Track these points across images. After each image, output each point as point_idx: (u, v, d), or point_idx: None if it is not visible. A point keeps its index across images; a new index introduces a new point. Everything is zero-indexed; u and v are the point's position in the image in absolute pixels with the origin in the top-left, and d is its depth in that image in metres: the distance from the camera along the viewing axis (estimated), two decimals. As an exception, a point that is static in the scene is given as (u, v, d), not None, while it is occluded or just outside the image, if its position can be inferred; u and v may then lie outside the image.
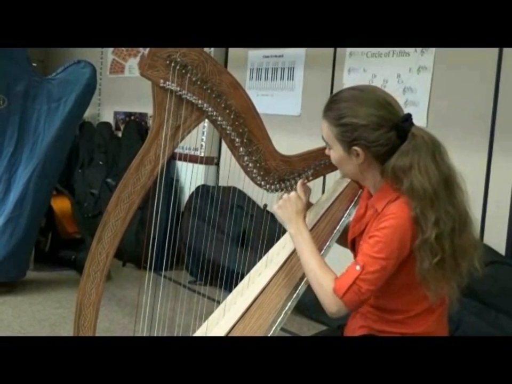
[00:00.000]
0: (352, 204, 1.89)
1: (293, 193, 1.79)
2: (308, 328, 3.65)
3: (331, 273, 1.64)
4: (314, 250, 1.69)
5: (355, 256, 1.76)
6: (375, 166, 1.66)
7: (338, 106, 1.66)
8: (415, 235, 1.57)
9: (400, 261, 1.59)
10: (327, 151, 1.75)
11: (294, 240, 1.73)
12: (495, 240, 3.16)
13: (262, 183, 1.85)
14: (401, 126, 1.62)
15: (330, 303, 1.60)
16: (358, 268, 1.58)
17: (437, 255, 1.55)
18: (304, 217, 1.77)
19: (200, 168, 4.89)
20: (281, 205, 1.77)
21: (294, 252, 1.85)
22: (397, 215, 1.57)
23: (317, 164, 1.88)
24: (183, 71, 1.68)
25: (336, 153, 1.69)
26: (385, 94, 1.67)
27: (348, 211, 1.88)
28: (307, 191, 1.87)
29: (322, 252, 1.80)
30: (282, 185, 1.87)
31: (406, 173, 1.58)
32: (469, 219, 1.63)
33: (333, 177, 2.00)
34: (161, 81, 1.68)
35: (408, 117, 1.64)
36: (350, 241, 1.81)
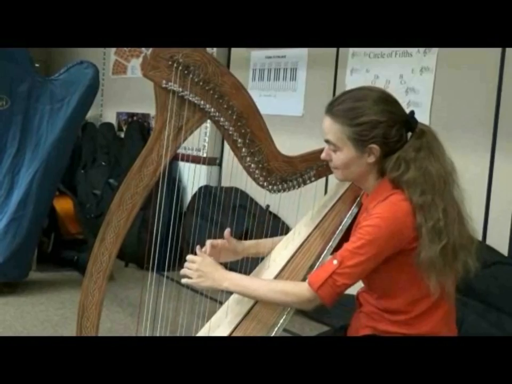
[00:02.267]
0: (355, 205, 1.89)
1: (195, 259, 1.77)
2: (309, 329, 3.64)
3: (283, 280, 1.72)
4: (255, 281, 1.73)
5: None
6: (378, 165, 1.68)
7: (351, 107, 1.66)
8: (411, 227, 1.59)
9: (382, 260, 1.61)
10: (324, 155, 1.73)
11: (232, 290, 1.73)
12: (498, 240, 3.16)
13: (265, 183, 1.85)
14: (410, 121, 1.67)
15: (304, 297, 1.63)
16: (335, 262, 1.60)
17: (443, 240, 1.58)
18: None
19: (203, 169, 4.89)
20: (198, 275, 1.74)
21: (296, 252, 1.85)
22: (383, 215, 1.59)
23: (319, 164, 1.88)
24: (186, 72, 1.69)
25: (345, 154, 1.68)
26: (389, 92, 1.71)
27: (350, 211, 1.87)
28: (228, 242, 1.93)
29: (325, 252, 1.81)
30: (285, 185, 1.87)
31: (417, 161, 1.62)
32: (464, 213, 1.67)
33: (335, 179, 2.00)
34: (164, 82, 1.69)
35: (413, 113, 1.68)
36: None
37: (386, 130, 1.63)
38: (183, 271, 1.78)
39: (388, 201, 1.62)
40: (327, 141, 1.72)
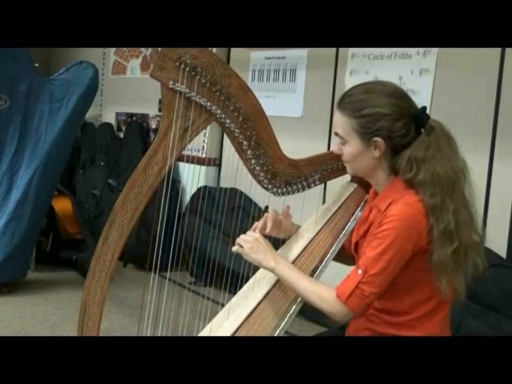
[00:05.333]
0: (359, 209, 1.88)
1: (254, 234, 1.79)
2: (308, 330, 3.64)
3: (326, 285, 1.67)
4: (300, 273, 1.72)
5: (358, 259, 1.76)
6: (388, 159, 1.67)
7: (358, 99, 1.66)
8: (426, 228, 1.58)
9: (405, 262, 1.60)
10: (336, 149, 1.74)
11: (276, 272, 1.73)
12: (496, 242, 3.16)
13: (269, 186, 1.85)
14: (420, 117, 1.65)
15: (336, 310, 1.62)
16: (360, 271, 1.59)
17: (454, 243, 1.58)
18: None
19: (202, 169, 4.89)
20: (251, 246, 1.75)
21: (299, 255, 1.85)
22: (399, 216, 1.58)
23: (324, 168, 1.88)
24: (193, 73, 1.68)
25: (352, 147, 1.68)
26: (400, 87, 1.70)
27: (354, 216, 1.87)
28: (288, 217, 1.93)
29: (328, 256, 1.81)
30: (289, 188, 1.87)
31: (426, 162, 1.61)
32: (474, 212, 1.66)
33: (335, 184, 2.00)
34: (171, 82, 1.68)
35: (425, 109, 1.67)
36: (353, 244, 1.81)
37: (391, 123, 1.62)
38: (237, 240, 1.78)
39: (403, 201, 1.61)
40: (336, 134, 1.72)
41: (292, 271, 1.72)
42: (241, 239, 1.78)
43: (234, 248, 1.78)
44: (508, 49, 3.16)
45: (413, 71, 3.65)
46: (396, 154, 1.66)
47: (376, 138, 1.64)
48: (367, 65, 3.89)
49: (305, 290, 1.67)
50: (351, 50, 3.97)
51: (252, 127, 1.76)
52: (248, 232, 1.81)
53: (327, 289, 1.66)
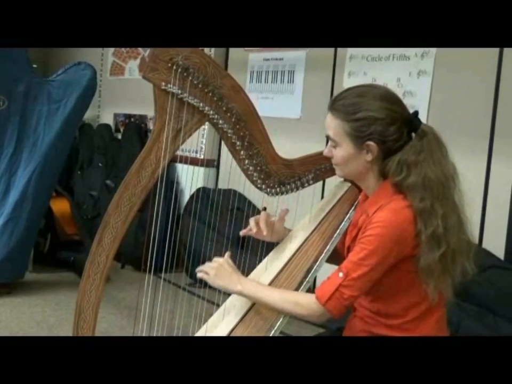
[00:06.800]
0: (353, 208, 1.88)
1: (218, 260, 1.77)
2: (306, 332, 3.64)
3: (298, 292, 1.70)
4: (268, 287, 1.73)
5: None
6: (379, 164, 1.67)
7: (351, 102, 1.65)
8: (411, 235, 1.58)
9: (387, 268, 1.60)
10: (326, 151, 1.73)
11: (245, 294, 1.71)
12: (494, 244, 3.17)
13: (263, 186, 1.85)
14: (413, 121, 1.65)
15: (312, 310, 1.62)
16: (341, 274, 1.60)
17: (442, 247, 1.58)
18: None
19: (200, 171, 4.89)
20: (216, 273, 1.74)
21: (294, 255, 1.85)
22: (385, 223, 1.58)
23: (317, 168, 1.88)
24: (185, 74, 1.68)
25: (344, 151, 1.67)
26: (393, 91, 1.70)
27: (348, 215, 1.87)
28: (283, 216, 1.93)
29: (322, 256, 1.80)
30: (283, 188, 1.87)
31: (418, 165, 1.60)
32: (464, 218, 1.65)
33: (333, 182, 2.00)
34: (163, 83, 1.68)
35: (417, 114, 1.67)
36: (346, 247, 1.80)
37: (384, 127, 1.61)
38: (201, 267, 1.77)
39: (390, 207, 1.60)
40: (327, 137, 1.71)
41: (259, 287, 1.72)
42: (207, 265, 1.76)
43: (199, 275, 1.76)
44: (505, 51, 3.16)
45: (411, 72, 3.65)
46: (386, 158, 1.65)
47: (369, 142, 1.63)
48: (365, 67, 3.89)
49: (278, 301, 1.67)
50: (349, 51, 3.97)
51: (244, 127, 1.77)
52: (214, 259, 1.78)
53: (302, 295, 1.68)
